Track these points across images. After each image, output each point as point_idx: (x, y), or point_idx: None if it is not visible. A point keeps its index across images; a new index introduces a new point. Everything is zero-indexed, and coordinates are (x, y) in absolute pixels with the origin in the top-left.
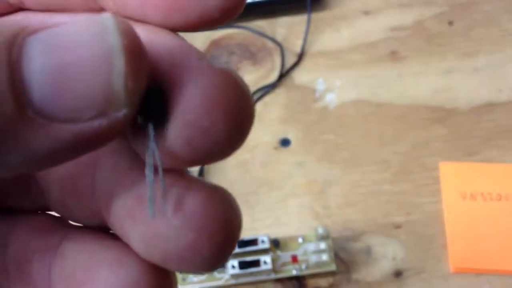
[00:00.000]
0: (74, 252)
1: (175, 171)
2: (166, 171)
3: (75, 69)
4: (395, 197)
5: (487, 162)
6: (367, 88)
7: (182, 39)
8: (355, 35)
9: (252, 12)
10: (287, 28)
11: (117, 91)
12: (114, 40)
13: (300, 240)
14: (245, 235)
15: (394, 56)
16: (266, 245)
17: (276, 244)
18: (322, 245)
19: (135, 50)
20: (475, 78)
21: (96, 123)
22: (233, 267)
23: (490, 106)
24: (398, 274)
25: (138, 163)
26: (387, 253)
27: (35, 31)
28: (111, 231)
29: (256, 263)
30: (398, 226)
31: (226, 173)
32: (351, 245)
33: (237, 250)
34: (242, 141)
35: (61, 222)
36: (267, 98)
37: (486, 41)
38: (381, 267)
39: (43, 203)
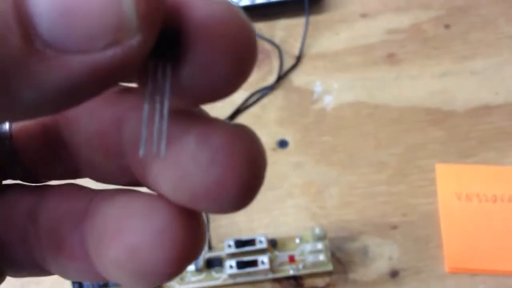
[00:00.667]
0: (104, 208)
1: (196, 112)
2: (186, 112)
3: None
4: (391, 198)
5: (483, 164)
6: (364, 90)
7: None
8: (352, 38)
9: (251, 15)
10: (285, 30)
11: (127, 14)
12: None
13: (297, 240)
14: (242, 235)
15: (391, 58)
16: (264, 245)
17: (273, 244)
18: (319, 245)
19: None
20: (472, 80)
21: (110, 52)
22: (231, 267)
23: (486, 109)
24: (394, 274)
25: None
26: (383, 253)
27: None
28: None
29: (253, 263)
30: (394, 227)
31: None
32: (347, 245)
33: (234, 250)
34: (247, 73)
35: (88, 189)
36: (265, 100)
37: (483, 44)
38: (378, 267)
39: (73, 168)
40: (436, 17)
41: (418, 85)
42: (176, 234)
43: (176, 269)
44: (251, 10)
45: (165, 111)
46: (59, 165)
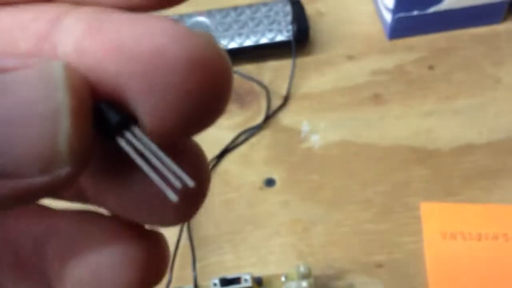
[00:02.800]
0: (66, 229)
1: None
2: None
3: (18, 125)
4: (377, 236)
5: (467, 202)
6: (350, 130)
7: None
8: (339, 79)
9: (240, 57)
10: (273, 72)
11: (60, 150)
12: (62, 98)
13: (283, 278)
14: (229, 273)
15: (376, 99)
16: (249, 284)
17: (259, 282)
18: (304, 284)
19: (82, 110)
20: (456, 120)
21: (37, 180)
22: None
23: (470, 148)
24: None
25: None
26: None
27: None
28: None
29: None
30: (380, 265)
31: (211, 211)
32: (333, 283)
33: None
34: (224, 98)
35: (49, 208)
36: (253, 140)
37: (466, 85)
38: None
39: None
40: (420, 58)
41: (402, 125)
42: (137, 257)
43: None
44: (241, 52)
45: (159, 153)
46: None
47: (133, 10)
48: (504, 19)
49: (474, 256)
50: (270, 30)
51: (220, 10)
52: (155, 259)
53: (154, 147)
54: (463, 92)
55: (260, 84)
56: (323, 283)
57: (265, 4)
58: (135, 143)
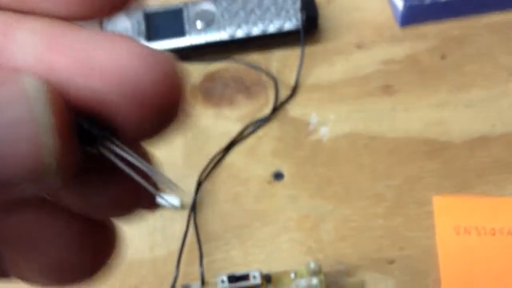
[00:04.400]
0: (18, 223)
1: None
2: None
3: (3, 143)
4: (388, 232)
5: (481, 196)
6: (360, 122)
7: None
8: (348, 69)
9: (247, 46)
10: (281, 61)
11: (48, 164)
12: (45, 118)
13: (292, 275)
14: (237, 270)
15: (387, 89)
16: (258, 281)
17: (267, 279)
18: (314, 280)
19: (65, 127)
20: (468, 112)
21: (29, 188)
22: None
23: (483, 140)
24: None
25: None
26: None
27: None
28: None
29: None
30: (391, 261)
31: (218, 206)
32: (344, 280)
33: (228, 285)
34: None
35: None
36: (260, 132)
37: (479, 75)
38: None
39: None
40: (432, 47)
41: (414, 116)
42: (89, 245)
43: (90, 274)
44: (248, 42)
45: (135, 156)
46: None
47: (75, 19)
48: None
49: (488, 251)
50: (278, 18)
51: None
52: (106, 244)
53: (130, 151)
54: (476, 83)
55: (268, 74)
56: (333, 279)
57: None
58: (115, 150)
